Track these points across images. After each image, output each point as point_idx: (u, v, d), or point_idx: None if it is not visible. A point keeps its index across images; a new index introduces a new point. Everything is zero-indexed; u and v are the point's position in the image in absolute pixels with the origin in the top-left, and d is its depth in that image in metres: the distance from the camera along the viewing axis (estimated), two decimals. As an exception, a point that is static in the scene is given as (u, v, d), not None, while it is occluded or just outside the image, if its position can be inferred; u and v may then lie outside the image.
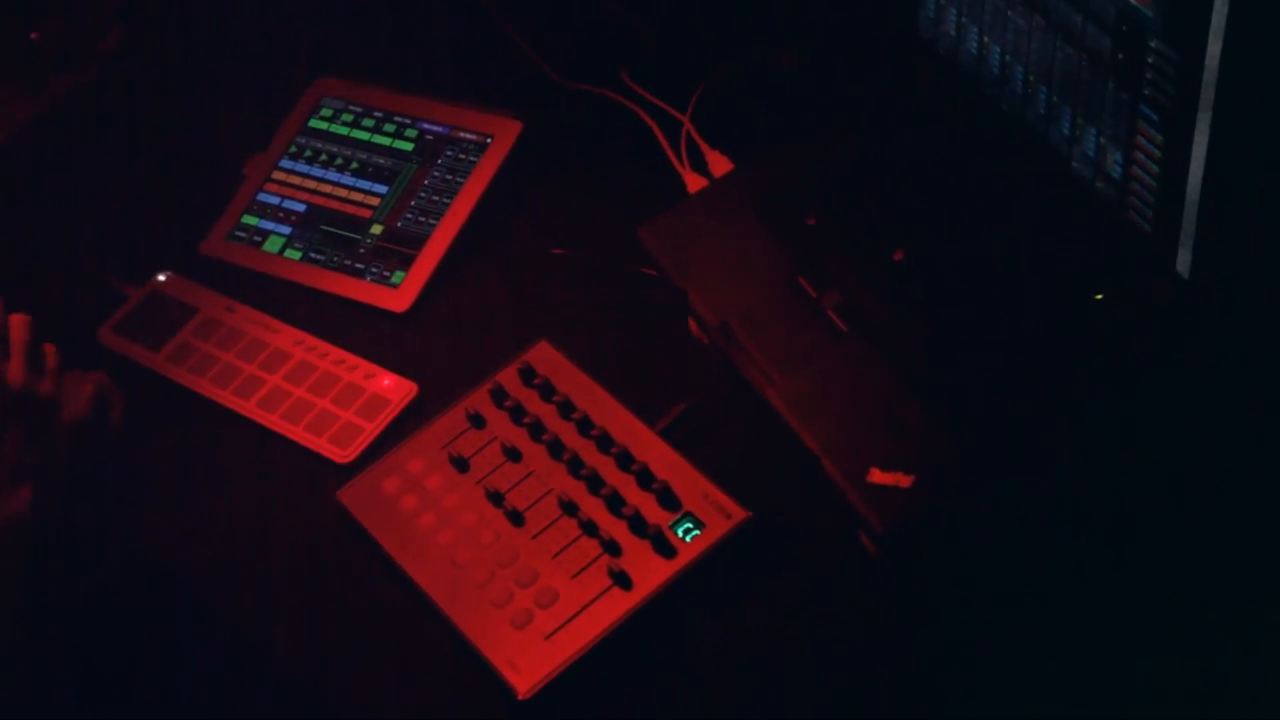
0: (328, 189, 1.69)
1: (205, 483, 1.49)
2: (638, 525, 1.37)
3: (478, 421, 1.46)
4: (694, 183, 1.63)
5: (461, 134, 1.70)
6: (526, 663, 1.31)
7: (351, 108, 1.75)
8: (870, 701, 1.30)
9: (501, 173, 1.66)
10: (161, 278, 1.65)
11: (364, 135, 1.72)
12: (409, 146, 1.70)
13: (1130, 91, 1.29)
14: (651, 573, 1.34)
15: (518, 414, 1.46)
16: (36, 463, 1.27)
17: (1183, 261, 1.31)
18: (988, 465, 1.32)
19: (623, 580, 1.34)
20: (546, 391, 1.47)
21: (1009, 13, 1.40)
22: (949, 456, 1.32)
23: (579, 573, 1.35)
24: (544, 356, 1.50)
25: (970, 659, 1.29)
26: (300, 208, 1.69)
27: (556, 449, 1.43)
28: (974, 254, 1.44)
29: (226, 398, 1.54)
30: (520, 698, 1.30)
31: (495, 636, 1.33)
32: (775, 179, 1.55)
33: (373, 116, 1.73)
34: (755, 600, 1.35)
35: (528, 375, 1.48)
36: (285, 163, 1.72)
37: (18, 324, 1.33)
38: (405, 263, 1.62)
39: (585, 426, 1.44)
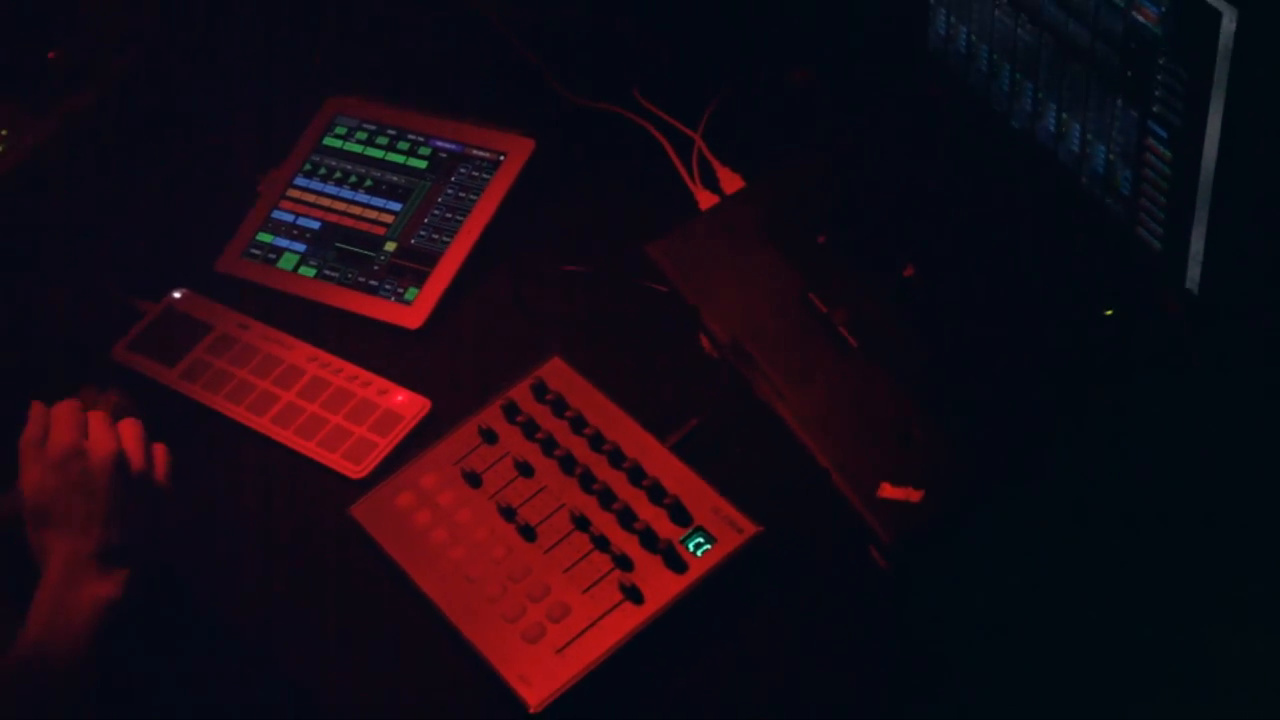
0: (342, 206, 1.70)
1: (220, 498, 1.50)
2: (649, 540, 1.37)
3: (490, 437, 1.47)
4: (705, 199, 1.64)
5: (474, 151, 1.71)
6: (538, 676, 1.32)
7: (365, 125, 1.76)
8: (881, 715, 1.30)
9: (514, 190, 1.67)
10: (177, 295, 1.66)
11: (378, 153, 1.73)
12: (422, 164, 1.71)
13: (1139, 108, 1.30)
14: (663, 587, 1.35)
15: (530, 429, 1.47)
16: (139, 545, 1.29)
17: (1192, 278, 1.31)
18: (997, 480, 1.32)
19: (634, 594, 1.35)
20: (559, 407, 1.48)
21: (1018, 30, 1.41)
22: (959, 471, 1.33)
23: (590, 587, 1.36)
24: (556, 372, 1.50)
25: (980, 673, 1.30)
26: (315, 225, 1.70)
27: (568, 464, 1.44)
28: (983, 270, 1.45)
29: (241, 414, 1.55)
30: (532, 711, 1.30)
31: (507, 650, 1.33)
32: (786, 196, 1.56)
33: (386, 134, 1.75)
34: (766, 614, 1.35)
35: (540, 391, 1.49)
36: (300, 180, 1.73)
37: (131, 426, 1.35)
38: (419, 279, 1.63)
39: (597, 442, 1.44)
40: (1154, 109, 1.28)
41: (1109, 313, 1.39)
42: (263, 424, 1.54)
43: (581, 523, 1.39)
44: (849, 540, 1.36)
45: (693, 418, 1.47)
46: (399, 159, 1.73)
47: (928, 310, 1.43)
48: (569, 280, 1.62)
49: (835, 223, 1.52)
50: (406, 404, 1.54)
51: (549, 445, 1.45)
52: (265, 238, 1.70)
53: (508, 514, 1.41)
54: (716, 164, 1.66)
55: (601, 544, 1.38)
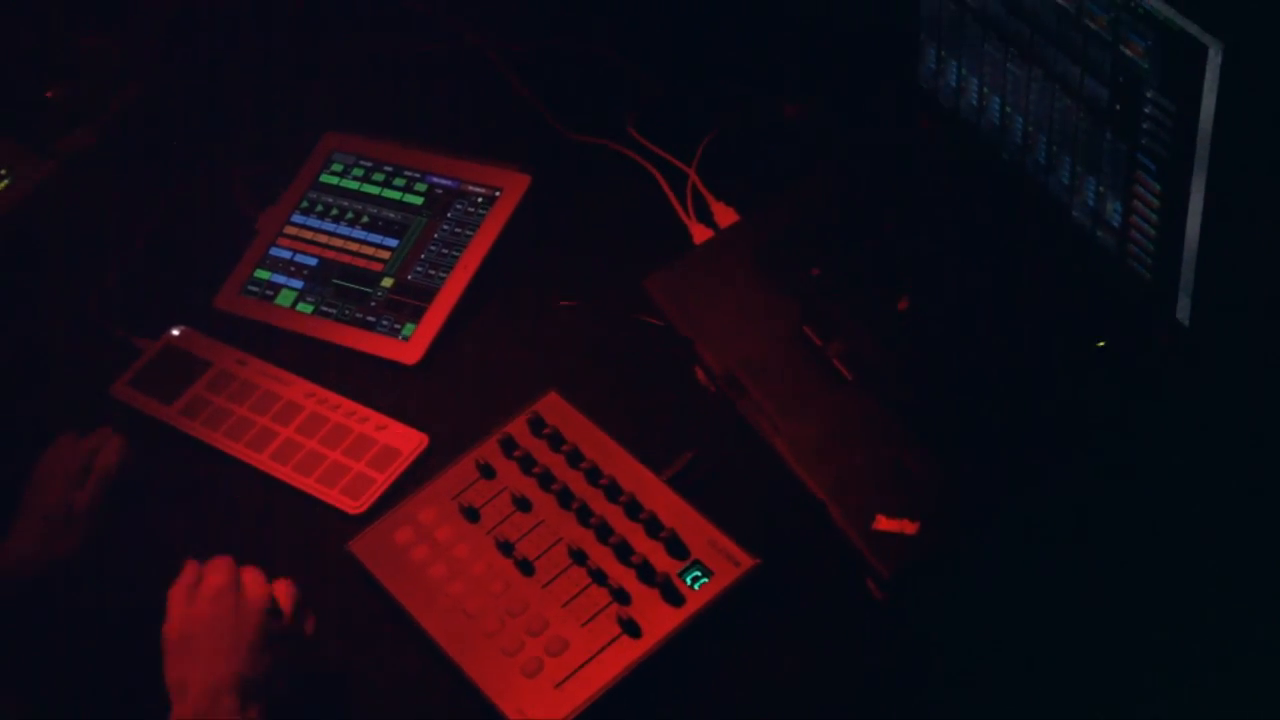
0: (339, 243, 1.71)
1: (218, 534, 1.50)
2: (646, 573, 1.38)
3: (487, 472, 1.48)
4: (700, 234, 1.65)
5: (470, 187, 1.72)
6: (537, 711, 1.32)
7: (362, 162, 1.77)
8: (878, 747, 1.31)
9: (510, 225, 1.68)
10: (175, 332, 1.67)
11: (374, 189, 1.75)
12: (419, 200, 1.72)
13: (1128, 142, 1.31)
14: (660, 620, 1.35)
15: (527, 464, 1.47)
16: (277, 689, 1.30)
17: (1182, 309, 1.32)
18: (992, 511, 1.33)
19: (632, 628, 1.35)
20: (555, 441, 1.48)
21: (1008, 65, 1.42)
22: (954, 503, 1.34)
23: (588, 621, 1.36)
24: (553, 407, 1.51)
25: (977, 703, 1.30)
26: (312, 262, 1.71)
27: (566, 498, 1.44)
28: (977, 302, 1.46)
29: (239, 450, 1.56)
30: (531, 746, 1.31)
31: (506, 685, 1.34)
32: (780, 229, 1.57)
33: (383, 171, 1.76)
34: (763, 646, 1.36)
35: (537, 425, 1.50)
36: (297, 217, 1.74)
37: (286, 584, 1.37)
38: (416, 315, 1.64)
39: (594, 476, 1.45)
40: (1143, 142, 1.29)
41: (1101, 344, 1.40)
42: (261, 460, 1.55)
43: (579, 557, 1.40)
44: (845, 572, 1.36)
45: (688, 451, 1.47)
46: (395, 195, 1.74)
47: (922, 343, 1.44)
48: (565, 315, 1.63)
49: (829, 256, 1.53)
50: (404, 439, 1.54)
51: (546, 479, 1.46)
52: (263, 274, 1.70)
53: (506, 548, 1.42)
54: (711, 198, 1.67)
55: (599, 578, 1.38)
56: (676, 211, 1.68)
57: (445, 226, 1.69)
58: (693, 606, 1.36)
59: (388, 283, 1.67)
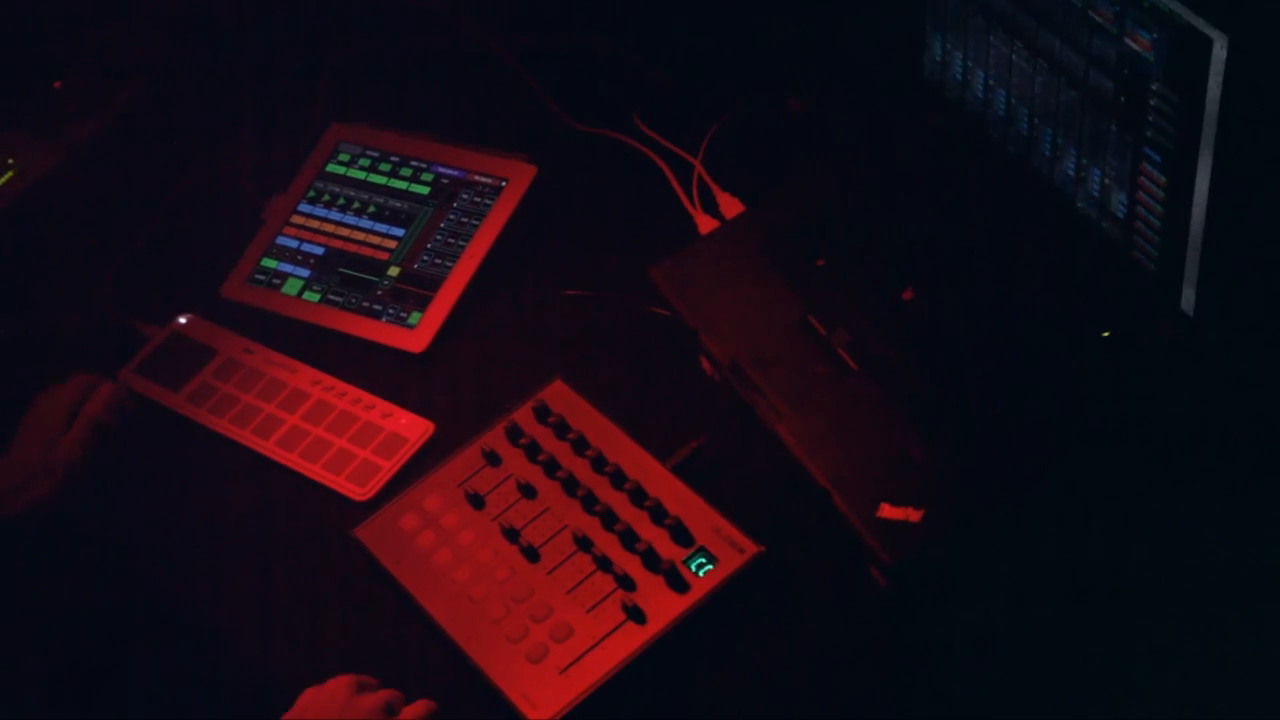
0: (345, 232, 1.72)
1: (225, 521, 1.51)
2: (651, 560, 1.38)
3: (493, 459, 1.48)
4: (705, 224, 1.65)
5: (477, 177, 1.72)
6: (541, 696, 1.33)
7: (368, 152, 1.77)
8: (881, 734, 1.32)
9: (516, 215, 1.69)
10: (182, 320, 1.67)
11: (381, 179, 1.75)
12: (425, 190, 1.73)
13: (1133, 133, 1.31)
14: (665, 607, 1.36)
15: (532, 451, 1.48)
16: None
17: (1187, 299, 1.33)
18: (997, 499, 1.34)
19: (636, 615, 1.36)
20: (561, 429, 1.49)
21: (1013, 57, 1.43)
22: (958, 491, 1.34)
23: (593, 607, 1.37)
24: (558, 395, 1.52)
25: (981, 691, 1.31)
26: (319, 251, 1.71)
27: (571, 486, 1.45)
28: (981, 292, 1.46)
29: (246, 437, 1.56)
30: (536, 731, 1.32)
31: (510, 671, 1.34)
32: (785, 220, 1.57)
33: (389, 161, 1.76)
34: (767, 634, 1.36)
35: (542, 413, 1.50)
36: (303, 206, 1.75)
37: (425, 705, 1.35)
38: (422, 304, 1.64)
39: (599, 463, 1.46)
40: (1148, 134, 1.30)
41: (1105, 334, 1.40)
42: (268, 447, 1.55)
43: (584, 544, 1.41)
44: (849, 560, 1.37)
45: (693, 439, 1.48)
46: (401, 185, 1.74)
47: (927, 332, 1.45)
48: (570, 304, 1.64)
49: (834, 246, 1.53)
50: (410, 427, 1.55)
51: (551, 467, 1.47)
52: (269, 263, 1.71)
53: (511, 535, 1.43)
54: (716, 189, 1.68)
55: (604, 565, 1.39)
56: (682, 202, 1.69)
57: (451, 216, 1.70)
58: (697, 593, 1.37)
59: (394, 272, 1.67)
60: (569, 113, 1.80)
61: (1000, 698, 1.30)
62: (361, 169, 1.77)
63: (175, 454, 1.57)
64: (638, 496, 1.43)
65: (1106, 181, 1.37)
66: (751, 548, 1.38)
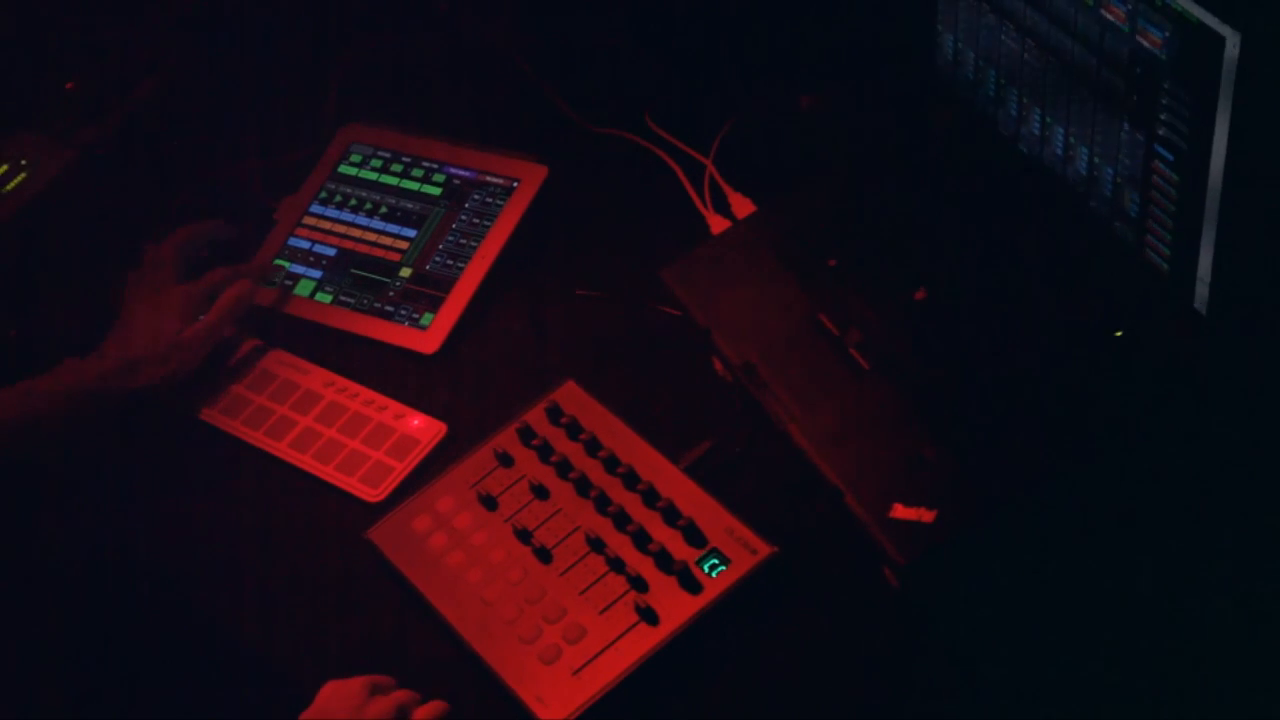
0: (357, 233, 1.72)
1: (238, 522, 1.52)
2: (664, 561, 1.38)
3: (506, 460, 1.49)
4: (717, 224, 1.65)
5: (488, 178, 1.72)
6: (554, 697, 1.33)
7: (380, 153, 1.78)
8: (895, 734, 1.32)
9: (528, 216, 1.69)
10: (195, 321, 1.67)
11: (392, 180, 1.75)
12: (437, 191, 1.73)
13: (1144, 132, 1.31)
14: (678, 608, 1.36)
15: (545, 452, 1.48)
16: None
17: (1200, 298, 1.33)
18: (1009, 499, 1.33)
19: (649, 616, 1.36)
20: (573, 430, 1.49)
21: (1025, 55, 1.43)
22: (970, 492, 1.34)
23: (606, 609, 1.37)
24: (570, 396, 1.52)
25: (994, 692, 1.30)
26: (331, 251, 1.71)
27: (583, 486, 1.45)
28: (994, 292, 1.46)
29: (259, 439, 1.57)
30: (549, 732, 1.32)
31: (523, 672, 1.35)
32: (797, 220, 1.57)
33: (401, 161, 1.76)
34: (780, 634, 1.36)
35: (555, 414, 1.50)
36: (315, 208, 1.75)
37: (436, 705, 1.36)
38: (434, 305, 1.64)
39: (611, 464, 1.46)
40: (1160, 132, 1.29)
41: (1118, 334, 1.40)
42: (281, 448, 1.56)
43: (597, 545, 1.41)
44: (862, 561, 1.37)
45: (706, 440, 1.48)
46: (413, 186, 1.74)
47: (939, 332, 1.45)
48: (582, 304, 1.64)
49: (846, 246, 1.53)
50: (423, 428, 1.55)
51: (564, 468, 1.47)
52: (281, 264, 1.71)
53: (524, 536, 1.43)
54: (728, 189, 1.68)
55: (617, 566, 1.39)
56: (694, 202, 1.69)
57: (463, 217, 1.70)
58: (710, 594, 1.37)
59: (406, 272, 1.68)
60: (581, 113, 1.80)
61: (1013, 698, 1.30)
62: (373, 170, 1.77)
63: (189, 456, 1.57)
64: (650, 497, 1.43)
65: (1119, 180, 1.37)
66: (764, 549, 1.38)
